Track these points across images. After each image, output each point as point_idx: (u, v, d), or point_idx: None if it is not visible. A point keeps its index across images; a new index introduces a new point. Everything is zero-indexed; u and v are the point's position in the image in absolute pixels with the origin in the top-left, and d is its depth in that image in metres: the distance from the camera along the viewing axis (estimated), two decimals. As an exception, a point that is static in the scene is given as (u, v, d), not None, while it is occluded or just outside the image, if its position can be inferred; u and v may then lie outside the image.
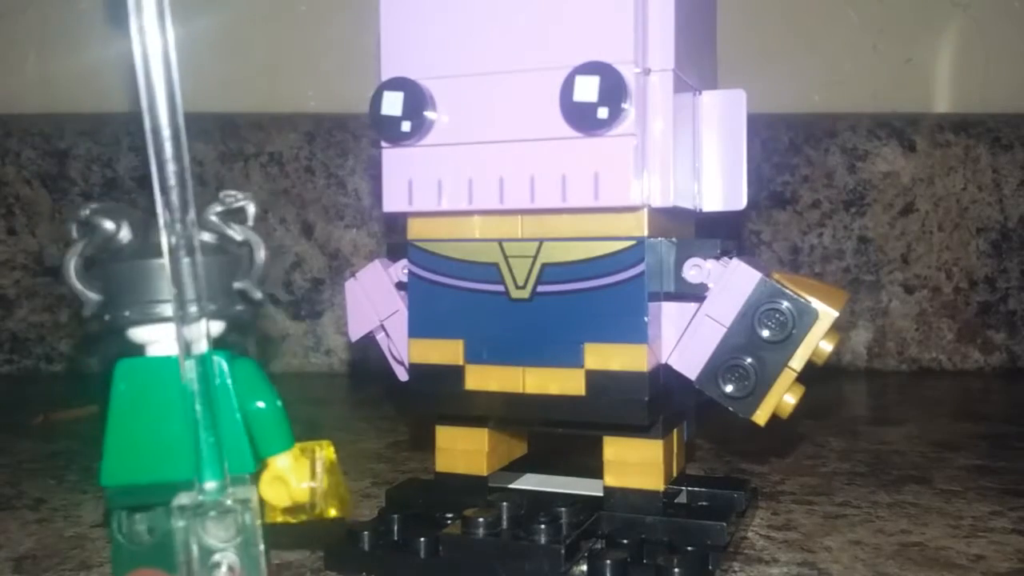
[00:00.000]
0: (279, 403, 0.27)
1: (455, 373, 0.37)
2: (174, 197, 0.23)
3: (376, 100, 0.36)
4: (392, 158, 0.37)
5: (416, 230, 0.38)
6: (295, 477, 0.27)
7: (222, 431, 0.26)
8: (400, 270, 0.40)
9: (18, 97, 0.98)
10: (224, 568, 0.24)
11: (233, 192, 0.27)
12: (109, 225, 0.26)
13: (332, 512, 0.27)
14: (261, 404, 0.26)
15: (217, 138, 0.94)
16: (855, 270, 0.94)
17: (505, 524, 0.36)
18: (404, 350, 0.39)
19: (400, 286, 0.40)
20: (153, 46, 0.23)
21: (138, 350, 0.27)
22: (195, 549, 0.24)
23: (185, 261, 0.24)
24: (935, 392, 0.85)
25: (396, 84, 0.36)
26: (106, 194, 0.94)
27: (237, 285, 0.27)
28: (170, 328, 0.25)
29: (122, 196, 0.94)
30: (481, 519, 0.35)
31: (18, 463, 0.56)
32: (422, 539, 0.35)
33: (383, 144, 0.37)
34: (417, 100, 0.36)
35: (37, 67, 1.00)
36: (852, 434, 0.63)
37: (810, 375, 0.36)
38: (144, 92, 0.23)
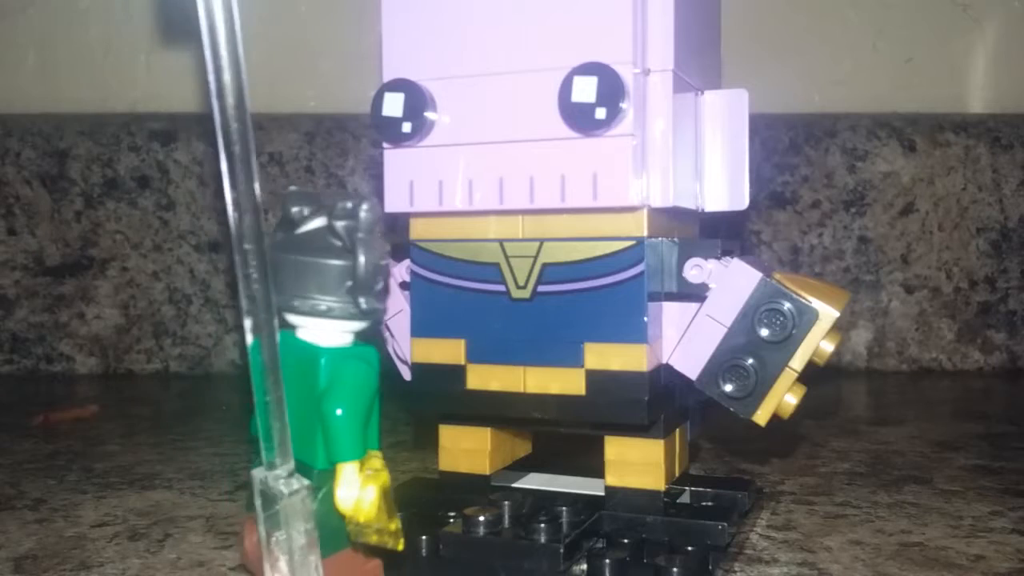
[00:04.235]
0: (357, 414, 0.27)
1: (457, 372, 0.37)
2: (241, 188, 0.24)
3: (377, 101, 0.36)
4: (393, 159, 0.37)
5: (418, 230, 0.38)
6: (341, 488, 0.27)
7: (306, 422, 0.27)
8: (403, 270, 0.40)
9: (18, 97, 0.98)
10: (277, 548, 0.25)
11: (351, 197, 0.27)
12: (294, 210, 0.28)
13: (388, 542, 0.27)
14: (339, 411, 0.27)
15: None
16: (855, 270, 0.94)
17: (506, 523, 0.36)
18: (408, 349, 0.39)
19: (404, 286, 0.40)
20: (221, 37, 0.23)
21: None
22: (264, 519, 0.26)
23: (252, 254, 0.24)
24: (935, 392, 0.85)
25: (397, 85, 0.36)
26: (106, 194, 0.94)
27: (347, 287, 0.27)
28: (313, 321, 0.27)
29: (123, 196, 0.94)
30: (482, 518, 0.35)
31: (18, 463, 0.56)
32: (423, 537, 0.35)
33: (384, 145, 0.37)
34: (418, 101, 0.36)
35: (37, 67, 1.00)
36: (852, 434, 0.63)
37: (810, 375, 0.36)
38: (214, 85, 0.23)
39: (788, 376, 0.35)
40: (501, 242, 0.37)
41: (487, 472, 0.40)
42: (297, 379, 0.27)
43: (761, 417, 0.35)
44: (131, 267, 0.95)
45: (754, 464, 0.54)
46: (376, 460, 0.27)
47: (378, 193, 0.38)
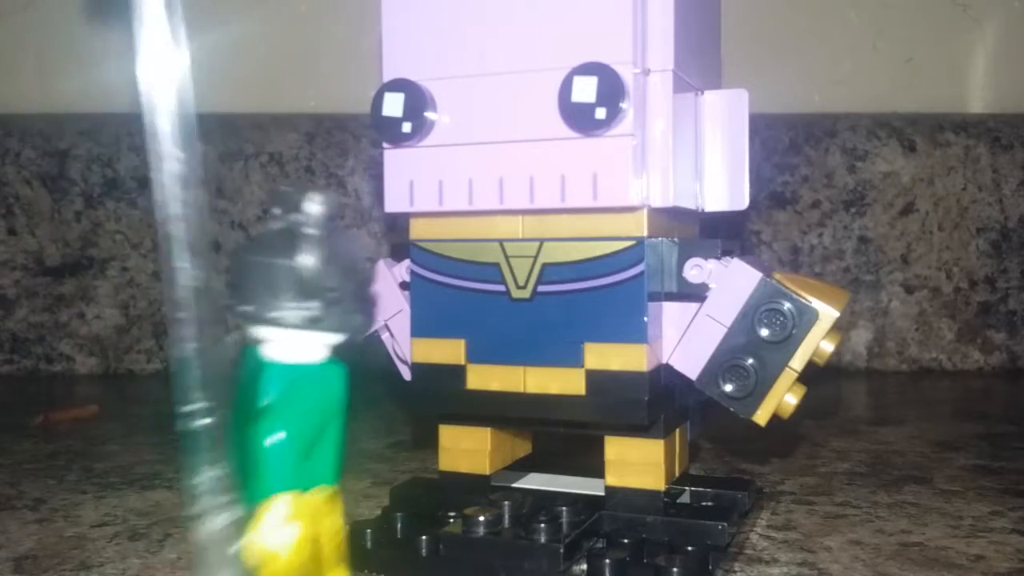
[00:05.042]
0: (294, 442, 0.23)
1: (457, 372, 0.37)
2: (171, 187, 0.21)
3: (377, 101, 0.36)
4: (393, 159, 0.37)
5: (418, 230, 0.38)
6: (259, 527, 0.23)
7: (247, 448, 0.23)
8: (404, 270, 0.40)
9: (18, 97, 0.98)
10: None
11: (288, 188, 0.24)
12: (275, 210, 0.24)
13: None
14: (272, 437, 0.23)
15: (217, 138, 0.94)
16: (855, 270, 0.94)
17: (506, 523, 0.36)
18: (408, 349, 0.39)
19: (404, 286, 0.40)
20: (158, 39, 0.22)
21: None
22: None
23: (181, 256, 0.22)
24: (935, 392, 0.85)
25: (397, 85, 0.36)
26: (106, 194, 0.94)
27: (289, 294, 0.24)
28: (272, 331, 0.24)
29: (123, 196, 0.94)
30: (482, 518, 0.35)
31: (18, 463, 0.56)
32: (423, 537, 0.35)
33: (384, 145, 0.37)
34: (418, 101, 0.36)
35: (37, 67, 1.00)
36: (852, 434, 0.63)
37: (810, 375, 0.36)
38: (146, 78, 0.22)
39: (788, 376, 0.35)
40: (501, 242, 0.37)
41: (487, 472, 0.40)
42: (250, 400, 0.24)
43: (761, 417, 0.35)
44: (131, 267, 0.95)
45: (754, 464, 0.54)
46: (317, 500, 0.23)
47: (378, 193, 0.38)
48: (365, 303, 0.25)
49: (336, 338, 0.25)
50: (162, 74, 0.22)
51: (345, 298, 0.24)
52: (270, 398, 0.23)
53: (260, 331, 0.24)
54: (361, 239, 0.27)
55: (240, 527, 0.22)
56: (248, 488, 0.23)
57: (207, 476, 0.22)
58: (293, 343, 0.24)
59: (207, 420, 0.22)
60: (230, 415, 0.23)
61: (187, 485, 0.22)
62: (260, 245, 0.24)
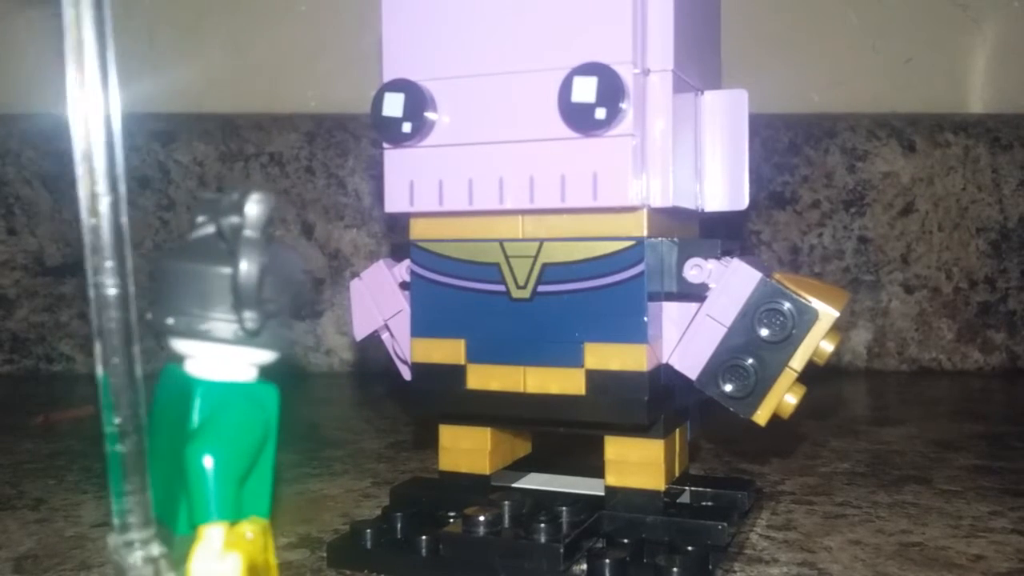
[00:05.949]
0: (230, 465, 0.21)
1: (457, 372, 0.37)
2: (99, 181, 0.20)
3: (377, 101, 0.36)
4: (393, 159, 0.37)
5: (418, 230, 0.38)
6: (196, 558, 0.20)
7: (179, 476, 0.21)
8: (404, 270, 0.40)
9: (18, 97, 0.98)
10: None
11: (233, 189, 0.22)
12: (199, 218, 0.23)
13: None
14: (206, 459, 0.20)
15: (217, 138, 0.94)
16: (855, 270, 0.94)
17: (506, 523, 0.36)
18: (408, 349, 0.39)
19: (404, 286, 0.40)
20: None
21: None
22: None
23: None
24: (935, 392, 0.85)
25: (397, 85, 0.36)
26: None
27: (220, 304, 0.21)
28: (199, 347, 0.22)
29: (122, 196, 0.94)
30: (482, 518, 0.35)
31: (18, 463, 0.56)
32: (423, 537, 0.35)
33: (384, 145, 0.37)
34: (418, 101, 0.36)
35: (37, 67, 1.00)
36: (852, 434, 0.63)
37: (810, 375, 0.36)
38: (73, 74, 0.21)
39: (788, 376, 0.35)
40: (501, 242, 0.37)
41: (487, 472, 0.40)
42: (174, 423, 0.22)
43: (761, 417, 0.35)
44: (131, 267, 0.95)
45: (754, 464, 0.54)
46: (254, 528, 0.21)
47: (378, 193, 0.38)
48: (292, 313, 0.23)
49: (268, 355, 0.22)
50: (87, 72, 0.20)
51: (282, 312, 0.22)
52: (201, 418, 0.22)
53: (184, 345, 0.22)
54: (301, 250, 0.24)
55: (167, 561, 0.20)
56: (176, 517, 0.22)
57: (129, 504, 0.20)
58: (222, 359, 0.22)
59: (129, 442, 0.20)
60: (153, 437, 0.21)
61: (110, 513, 0.20)
62: (191, 249, 0.22)
